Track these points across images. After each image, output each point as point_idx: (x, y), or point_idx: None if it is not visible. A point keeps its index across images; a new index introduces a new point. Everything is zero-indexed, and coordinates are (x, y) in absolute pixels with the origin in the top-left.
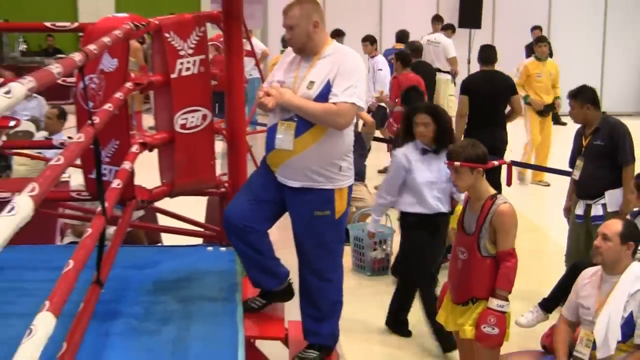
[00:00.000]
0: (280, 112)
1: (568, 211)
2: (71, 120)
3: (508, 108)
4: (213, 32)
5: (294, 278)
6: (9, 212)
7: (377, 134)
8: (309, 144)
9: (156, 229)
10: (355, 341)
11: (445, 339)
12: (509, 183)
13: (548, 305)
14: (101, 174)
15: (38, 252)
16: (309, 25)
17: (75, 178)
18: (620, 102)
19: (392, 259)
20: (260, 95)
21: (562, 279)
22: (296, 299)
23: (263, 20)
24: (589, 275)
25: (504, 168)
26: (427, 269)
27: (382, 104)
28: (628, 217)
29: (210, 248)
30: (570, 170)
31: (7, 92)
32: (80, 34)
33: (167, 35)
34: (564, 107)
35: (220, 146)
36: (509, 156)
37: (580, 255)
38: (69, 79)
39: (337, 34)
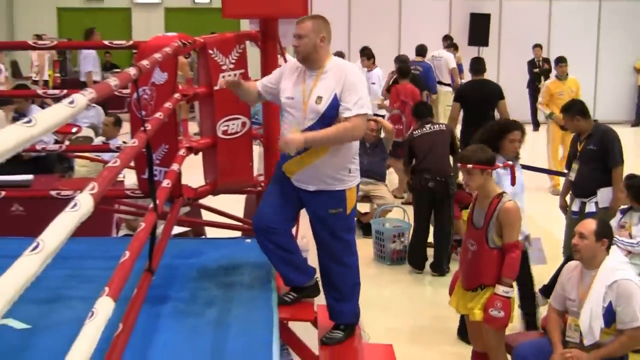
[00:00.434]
0: (294, 124)
1: (563, 208)
2: (125, 127)
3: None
4: (251, 49)
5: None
6: (72, 208)
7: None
8: (322, 154)
9: (201, 223)
10: (378, 321)
11: None
12: (512, 182)
13: (547, 291)
14: (152, 174)
15: (96, 243)
16: (317, 38)
17: (130, 178)
18: (612, 111)
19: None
20: (282, 145)
21: (559, 269)
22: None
23: None
24: (570, 270)
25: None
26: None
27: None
28: (618, 213)
29: (248, 240)
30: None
31: (71, 102)
32: (134, 50)
33: (210, 51)
34: None
35: (257, 150)
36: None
37: None
38: (124, 90)
39: (339, 55)
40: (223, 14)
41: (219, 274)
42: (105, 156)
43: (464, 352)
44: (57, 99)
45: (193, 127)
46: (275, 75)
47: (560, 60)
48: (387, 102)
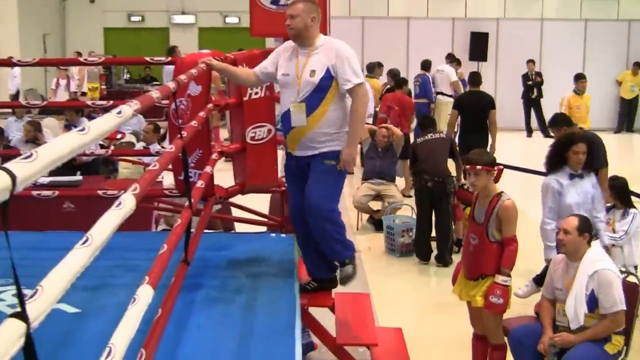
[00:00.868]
0: (289, 99)
1: None
2: None
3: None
4: None
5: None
6: (117, 206)
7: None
8: (320, 118)
9: (231, 219)
10: (389, 307)
11: None
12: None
13: (540, 280)
14: (188, 176)
15: (138, 237)
16: (307, 18)
17: (167, 179)
18: (597, 119)
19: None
20: (346, 165)
21: (548, 262)
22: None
23: None
24: (557, 262)
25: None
26: None
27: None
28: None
29: (273, 234)
30: None
31: (119, 113)
32: (172, 66)
33: (240, 66)
34: None
35: (280, 154)
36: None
37: None
38: (163, 101)
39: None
40: (251, 33)
41: (247, 265)
42: (146, 159)
43: (465, 334)
44: (104, 110)
45: (224, 134)
46: (271, 58)
47: (580, 77)
48: (377, 108)
